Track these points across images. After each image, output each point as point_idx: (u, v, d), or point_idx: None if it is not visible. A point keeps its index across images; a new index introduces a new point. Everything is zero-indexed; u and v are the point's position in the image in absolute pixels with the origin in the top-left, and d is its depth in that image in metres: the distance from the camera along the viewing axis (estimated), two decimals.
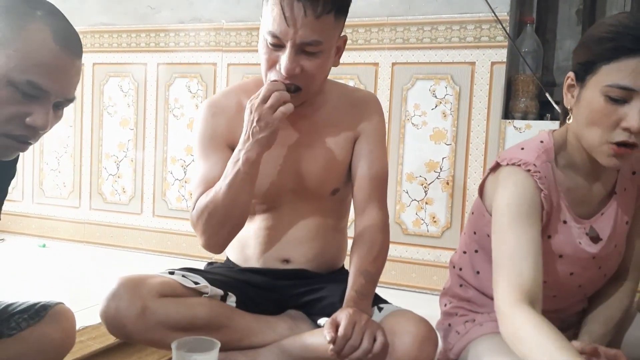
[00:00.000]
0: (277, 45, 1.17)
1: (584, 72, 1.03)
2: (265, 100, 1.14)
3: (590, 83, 1.01)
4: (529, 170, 1.07)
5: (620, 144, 1.00)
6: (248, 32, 2.71)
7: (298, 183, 1.32)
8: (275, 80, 1.17)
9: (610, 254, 1.17)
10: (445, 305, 1.37)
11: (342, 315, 1.09)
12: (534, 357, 0.92)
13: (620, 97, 0.97)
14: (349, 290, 1.20)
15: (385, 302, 1.31)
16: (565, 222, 1.12)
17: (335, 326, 1.08)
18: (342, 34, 1.24)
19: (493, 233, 1.10)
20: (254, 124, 1.14)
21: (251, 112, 1.15)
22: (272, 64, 1.19)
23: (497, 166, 1.14)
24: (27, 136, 0.95)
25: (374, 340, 1.08)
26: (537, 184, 1.07)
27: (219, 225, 1.21)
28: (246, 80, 1.42)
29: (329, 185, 1.34)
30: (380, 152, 1.34)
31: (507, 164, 1.11)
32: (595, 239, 1.14)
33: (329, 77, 1.32)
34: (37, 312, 1.19)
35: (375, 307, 1.24)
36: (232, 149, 1.26)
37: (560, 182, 1.11)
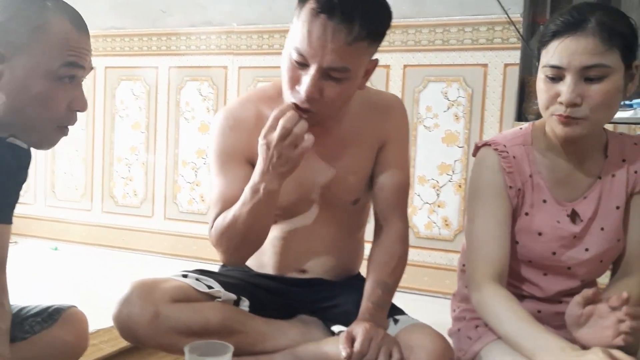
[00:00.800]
0: (302, 63, 1.08)
1: (538, 59, 1.15)
2: (283, 138, 1.05)
3: (539, 67, 1.13)
4: (496, 150, 1.17)
5: (561, 115, 1.09)
6: (259, 35, 2.71)
7: (319, 195, 1.29)
8: (288, 106, 1.07)
9: (597, 236, 1.19)
10: (454, 310, 1.37)
11: (359, 330, 1.08)
12: (499, 326, 1.09)
13: (553, 75, 1.08)
14: (365, 301, 1.18)
15: (402, 312, 1.28)
16: (545, 201, 1.18)
17: (351, 340, 1.07)
18: (374, 57, 1.14)
19: (466, 215, 1.22)
20: (274, 159, 1.06)
21: (269, 149, 1.06)
22: (294, 83, 1.10)
23: (476, 150, 1.24)
24: (73, 120, 1.00)
25: (390, 356, 1.06)
26: (501, 163, 1.16)
27: (239, 246, 1.18)
28: (264, 86, 1.34)
29: (350, 195, 1.30)
30: (403, 160, 1.30)
31: (482, 145, 1.21)
32: (574, 219, 1.18)
33: None
34: (51, 316, 1.19)
35: (391, 319, 1.22)
36: (251, 163, 1.21)
37: (539, 164, 1.18)
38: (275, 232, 1.32)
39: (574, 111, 1.08)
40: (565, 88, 1.07)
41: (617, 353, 0.98)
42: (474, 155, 1.25)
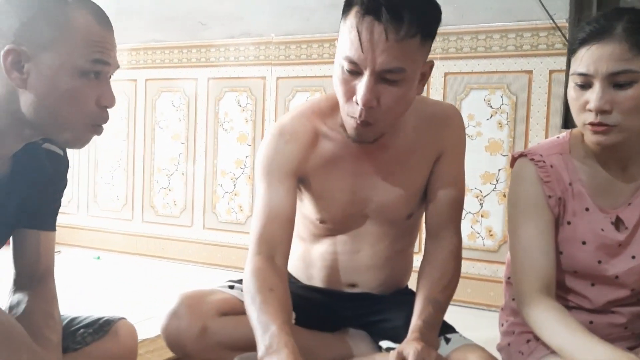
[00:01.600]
0: (354, 72, 1.04)
1: (568, 67, 1.15)
2: None
3: (569, 76, 1.13)
4: (532, 160, 1.16)
5: (593, 124, 1.08)
6: (297, 46, 2.71)
7: (372, 211, 1.26)
8: None
9: None
10: (502, 324, 1.33)
11: (410, 351, 1.03)
12: (551, 339, 1.07)
13: (582, 82, 1.07)
14: (416, 318, 1.12)
15: (453, 330, 1.23)
16: (587, 209, 1.16)
17: None
18: (429, 59, 1.10)
19: (508, 227, 1.21)
20: None
21: None
22: (349, 95, 1.06)
23: (513, 161, 1.22)
24: (105, 118, 1.00)
25: None
26: (538, 173, 1.15)
27: None
28: (316, 100, 1.28)
29: (405, 211, 1.26)
30: (460, 173, 1.26)
31: (518, 156, 1.20)
32: (619, 226, 1.16)
33: None
34: (101, 327, 1.20)
35: (442, 338, 1.18)
36: (298, 178, 1.21)
37: (579, 172, 1.17)
38: (325, 246, 1.31)
39: (604, 118, 1.06)
40: (593, 95, 1.06)
41: None
42: (512, 166, 1.23)
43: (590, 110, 1.07)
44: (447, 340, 1.17)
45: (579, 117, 1.11)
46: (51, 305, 1.11)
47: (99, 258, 3.15)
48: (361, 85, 1.03)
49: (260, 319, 1.04)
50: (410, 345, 1.04)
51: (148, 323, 1.93)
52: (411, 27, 0.99)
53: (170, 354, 1.56)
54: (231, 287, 1.28)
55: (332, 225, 1.27)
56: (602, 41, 1.05)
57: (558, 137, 1.22)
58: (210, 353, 1.15)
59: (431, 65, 1.11)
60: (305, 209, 1.29)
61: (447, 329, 1.22)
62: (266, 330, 1.02)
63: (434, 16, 1.07)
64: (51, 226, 1.16)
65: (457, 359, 1.10)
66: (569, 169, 1.17)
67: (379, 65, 1.01)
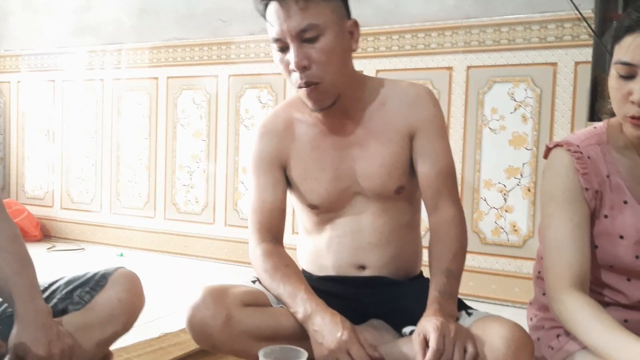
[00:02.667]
0: (283, 48, 1.19)
1: (610, 57, 1.10)
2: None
3: (611, 65, 1.08)
4: (569, 150, 1.13)
5: (633, 118, 1.05)
6: None
7: (358, 185, 1.30)
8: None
9: None
10: (531, 319, 1.31)
11: (430, 329, 1.04)
12: (585, 337, 1.04)
13: (626, 73, 1.03)
14: (432, 290, 1.16)
15: (473, 308, 1.25)
16: (625, 202, 1.12)
17: (425, 341, 1.04)
18: (352, 18, 1.24)
19: (541, 220, 1.17)
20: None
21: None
22: (288, 69, 1.21)
23: (547, 151, 1.19)
24: None
25: (465, 351, 1.03)
26: (574, 164, 1.12)
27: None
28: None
29: (390, 183, 1.29)
30: (441, 145, 1.28)
31: (554, 147, 1.17)
32: None
33: (382, 76, 1.29)
34: (98, 283, 1.20)
35: (464, 311, 1.19)
36: (282, 167, 1.31)
37: (618, 163, 1.14)
38: (329, 232, 1.33)
39: None
40: (638, 86, 1.02)
41: None
42: (545, 157, 1.20)
43: (633, 102, 1.03)
44: (470, 314, 1.18)
45: (620, 109, 1.07)
46: (13, 245, 1.12)
47: (122, 255, 3.18)
48: (290, 53, 1.17)
49: (287, 289, 1.18)
50: (429, 322, 1.06)
51: (171, 318, 1.95)
52: None
53: (193, 347, 1.58)
54: (253, 282, 1.29)
55: (326, 209, 1.31)
56: None
57: (595, 127, 1.18)
58: (235, 343, 1.15)
59: (354, 22, 1.23)
60: (299, 197, 1.34)
61: (467, 307, 1.24)
62: (295, 297, 1.16)
63: None
64: None
65: (480, 327, 1.10)
66: (606, 161, 1.14)
67: (293, 29, 1.15)
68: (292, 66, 1.17)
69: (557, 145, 1.16)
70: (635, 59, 1.01)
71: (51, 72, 3.57)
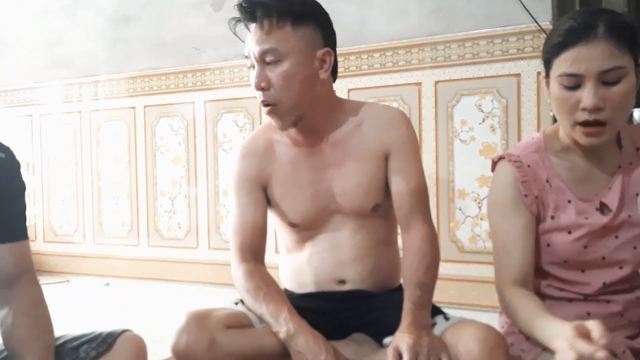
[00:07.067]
0: (252, 65, 1.26)
1: (547, 69, 1.18)
2: None
3: (551, 77, 1.16)
4: (510, 161, 1.21)
5: (585, 124, 1.11)
6: None
7: (337, 203, 1.34)
8: None
9: (625, 223, 1.19)
10: (503, 327, 1.36)
11: (403, 346, 1.09)
12: (520, 323, 1.14)
13: (571, 83, 1.10)
14: (406, 302, 1.19)
15: (449, 314, 1.29)
16: (570, 201, 1.20)
17: (399, 356, 1.09)
18: (325, 48, 1.29)
19: (490, 228, 1.28)
20: None
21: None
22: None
23: (493, 165, 1.27)
24: None
25: None
26: (515, 173, 1.19)
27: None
28: None
29: (367, 202, 1.34)
30: (414, 165, 1.33)
31: (498, 160, 1.25)
32: (604, 210, 1.20)
33: (354, 95, 1.33)
34: (105, 340, 1.21)
35: (442, 316, 1.23)
36: (263, 187, 1.35)
37: (557, 167, 1.21)
38: (310, 248, 1.37)
39: (598, 115, 1.09)
40: (586, 94, 1.09)
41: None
42: (492, 170, 1.27)
43: (583, 109, 1.10)
44: (447, 319, 1.22)
45: (570, 117, 1.13)
46: (36, 309, 1.12)
47: (107, 284, 3.18)
48: (252, 73, 1.25)
49: (269, 309, 1.21)
50: (402, 339, 1.10)
51: (157, 345, 1.96)
52: (280, 18, 1.22)
53: None
54: (236, 303, 1.32)
55: (305, 227, 1.35)
56: (589, 41, 1.08)
57: (532, 138, 1.26)
58: None
59: (327, 52, 1.29)
60: (280, 216, 1.37)
61: (444, 313, 1.27)
62: (278, 316, 1.19)
63: (298, 5, 1.25)
64: (21, 235, 1.15)
65: (455, 331, 1.14)
66: (545, 166, 1.21)
67: (257, 51, 1.23)
68: (252, 85, 1.25)
69: (501, 158, 1.24)
70: (581, 68, 1.09)
71: (28, 107, 3.59)
